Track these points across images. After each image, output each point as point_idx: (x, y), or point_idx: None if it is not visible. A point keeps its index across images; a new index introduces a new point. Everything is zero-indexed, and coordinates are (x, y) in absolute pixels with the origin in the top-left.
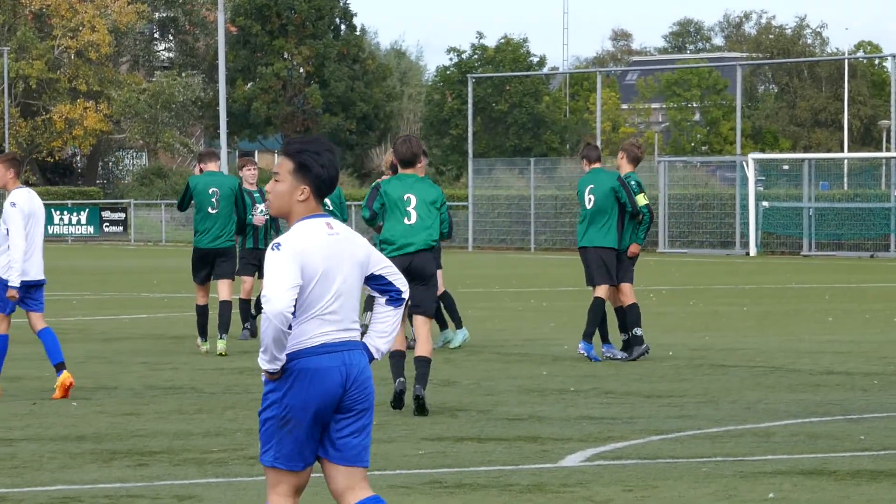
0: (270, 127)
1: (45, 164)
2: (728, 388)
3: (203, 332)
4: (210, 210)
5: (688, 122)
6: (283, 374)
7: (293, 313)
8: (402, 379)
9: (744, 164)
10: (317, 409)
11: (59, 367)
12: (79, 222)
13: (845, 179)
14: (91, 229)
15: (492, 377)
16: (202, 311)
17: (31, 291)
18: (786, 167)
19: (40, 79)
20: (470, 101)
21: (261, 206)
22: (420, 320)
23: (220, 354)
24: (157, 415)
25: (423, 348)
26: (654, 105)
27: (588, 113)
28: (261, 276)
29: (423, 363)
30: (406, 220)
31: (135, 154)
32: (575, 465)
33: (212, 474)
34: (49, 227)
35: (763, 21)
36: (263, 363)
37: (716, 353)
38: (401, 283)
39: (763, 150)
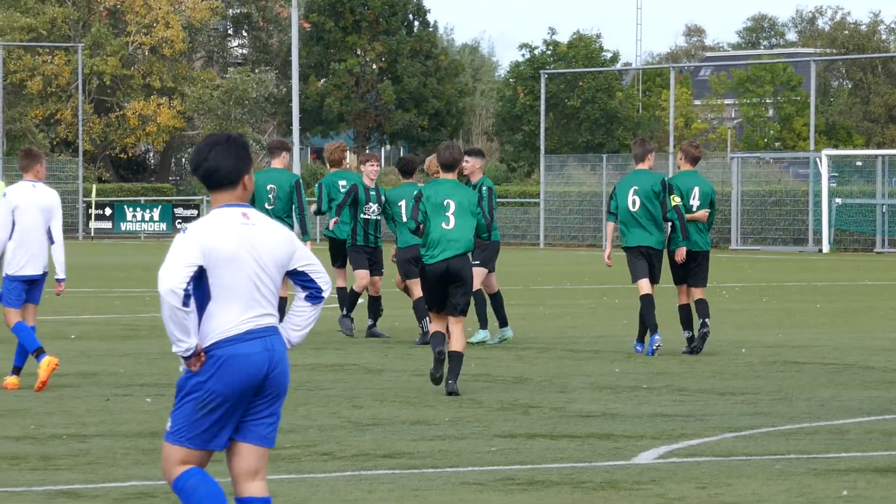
0: (343, 123)
1: (118, 161)
2: (802, 385)
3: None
4: (266, 206)
5: (760, 118)
6: (207, 360)
7: (208, 297)
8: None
9: (817, 160)
10: (241, 393)
11: (39, 352)
12: (151, 219)
13: None
14: (164, 226)
15: (564, 374)
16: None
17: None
18: (859, 163)
19: (114, 75)
20: (542, 96)
21: (373, 206)
22: (453, 319)
23: None
24: None
25: (457, 344)
26: (727, 101)
27: (660, 109)
28: (373, 272)
29: (457, 358)
30: (444, 225)
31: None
32: (648, 462)
33: (284, 470)
34: (122, 223)
35: (837, 17)
36: (173, 348)
37: (789, 351)
38: (323, 281)
39: (836, 147)
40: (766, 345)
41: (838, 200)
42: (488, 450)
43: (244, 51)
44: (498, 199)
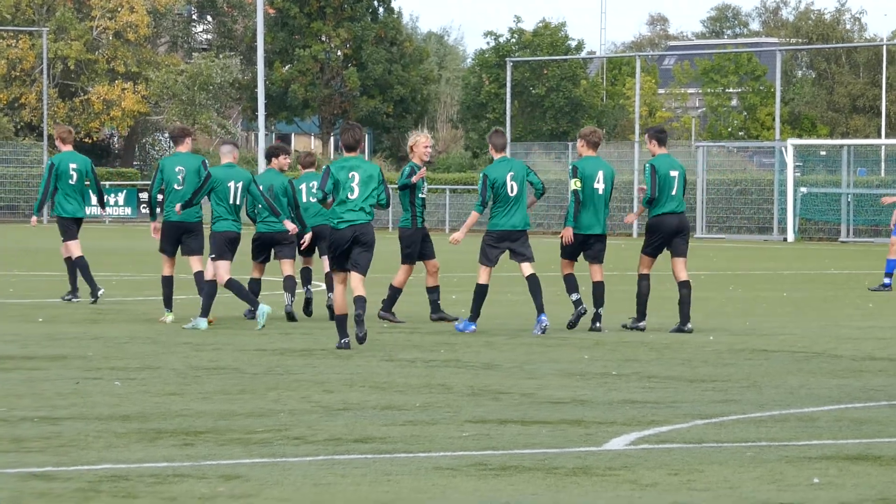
0: (308, 109)
1: (82, 146)
2: (770, 372)
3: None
4: (176, 187)
5: (724, 107)
6: None
7: None
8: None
9: (782, 149)
10: None
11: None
12: (116, 203)
13: (882, 165)
14: (129, 210)
15: (533, 360)
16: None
17: None
18: (823, 153)
19: (79, 60)
20: (508, 84)
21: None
22: (356, 277)
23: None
24: (201, 395)
25: (359, 291)
26: (690, 90)
27: (625, 98)
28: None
29: (361, 300)
30: (350, 195)
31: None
32: (620, 448)
33: (257, 454)
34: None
35: (801, 6)
36: None
37: (757, 339)
38: None
39: (800, 136)
40: (733, 332)
41: (803, 190)
42: (460, 435)
43: (209, 36)
44: (463, 187)
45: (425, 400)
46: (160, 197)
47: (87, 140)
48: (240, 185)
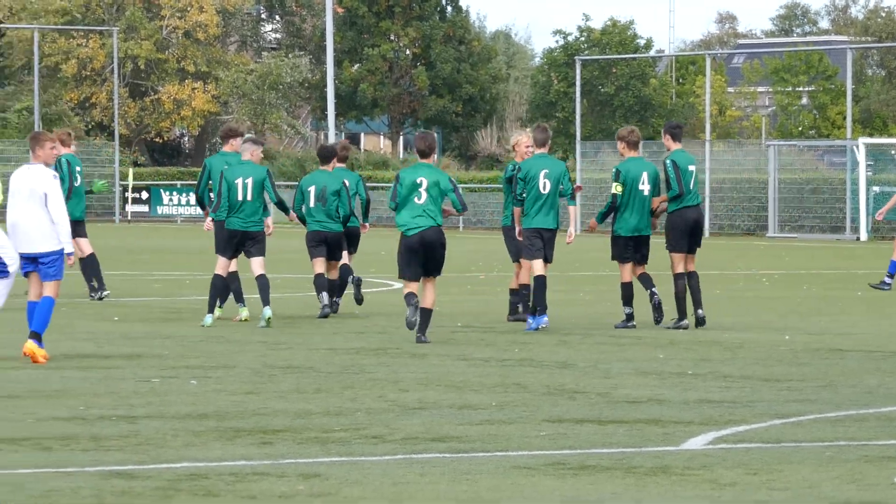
0: (377, 109)
1: (153, 145)
2: (846, 372)
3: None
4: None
5: (794, 106)
6: None
7: None
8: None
9: (854, 148)
10: None
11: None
12: (188, 203)
13: None
14: (200, 210)
15: (607, 360)
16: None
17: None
18: (894, 152)
19: (149, 59)
20: (578, 83)
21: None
22: (429, 282)
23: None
24: (277, 393)
25: (429, 298)
26: (760, 89)
27: (694, 96)
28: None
29: (426, 313)
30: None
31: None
32: (698, 448)
33: (335, 453)
34: (158, 207)
35: (871, 4)
36: None
37: (832, 338)
38: (9, 257)
39: (872, 135)
40: (808, 332)
41: (876, 189)
42: (537, 434)
43: (278, 35)
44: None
45: (501, 399)
46: (212, 196)
47: (157, 140)
48: (249, 181)
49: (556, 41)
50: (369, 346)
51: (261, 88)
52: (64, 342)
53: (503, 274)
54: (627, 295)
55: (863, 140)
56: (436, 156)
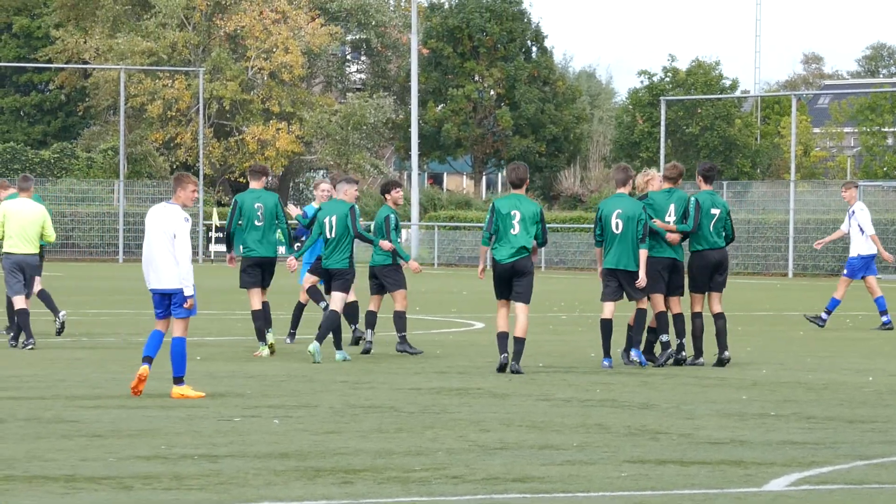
0: (460, 149)
1: (237, 185)
2: None
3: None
4: (256, 223)
5: (880, 146)
6: None
7: None
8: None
9: None
10: None
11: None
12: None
13: None
14: (282, 249)
15: (690, 401)
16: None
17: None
18: None
19: (234, 100)
20: (662, 123)
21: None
22: (520, 307)
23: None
24: (358, 433)
25: (521, 328)
26: (846, 129)
27: (779, 137)
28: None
29: (520, 343)
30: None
31: (325, 175)
32: (780, 489)
33: (416, 493)
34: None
35: None
36: None
37: None
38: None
39: None
40: (892, 373)
41: None
42: (619, 475)
43: (362, 76)
44: None
45: (582, 439)
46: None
47: (241, 180)
48: (333, 218)
49: (641, 81)
50: (451, 386)
51: (345, 129)
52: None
53: (585, 314)
54: (660, 324)
55: None
56: (527, 186)
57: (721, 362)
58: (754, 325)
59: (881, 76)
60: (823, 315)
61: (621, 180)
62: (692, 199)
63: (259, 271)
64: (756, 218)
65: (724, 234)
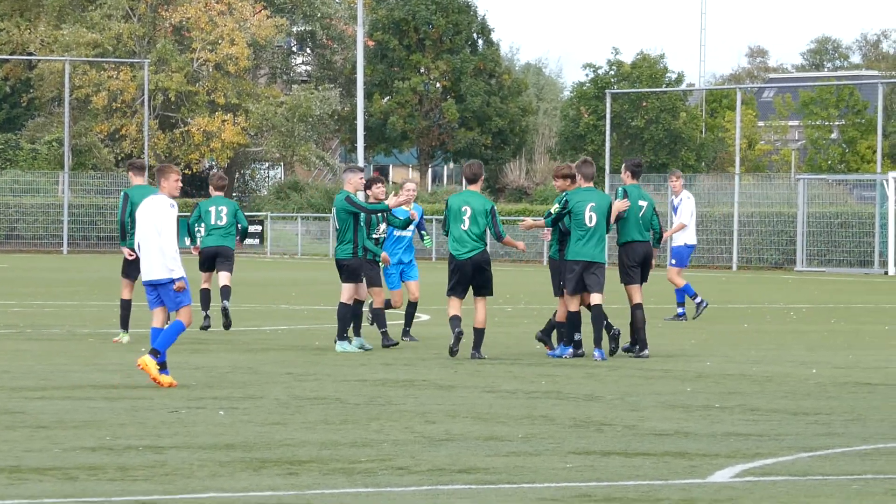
0: (407, 141)
1: (183, 177)
2: (875, 406)
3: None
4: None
5: (825, 140)
6: None
7: None
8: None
9: (884, 182)
10: None
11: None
12: None
13: None
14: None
15: (635, 392)
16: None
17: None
18: None
19: (179, 91)
20: (608, 116)
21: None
22: (480, 300)
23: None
24: (304, 425)
25: (481, 319)
26: (791, 123)
27: (724, 130)
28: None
29: (479, 333)
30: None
31: (270, 166)
32: (725, 480)
33: (361, 484)
34: (185, 238)
35: None
36: None
37: (860, 372)
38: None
39: None
40: (836, 366)
41: None
42: (564, 466)
43: (308, 68)
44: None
45: (528, 431)
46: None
47: (187, 171)
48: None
49: (587, 74)
50: (396, 378)
51: (290, 121)
52: (92, 373)
53: (530, 306)
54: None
55: (892, 174)
56: (481, 182)
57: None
58: (699, 318)
59: (826, 70)
60: (680, 310)
61: (589, 175)
62: (619, 190)
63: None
64: (701, 211)
65: (651, 228)
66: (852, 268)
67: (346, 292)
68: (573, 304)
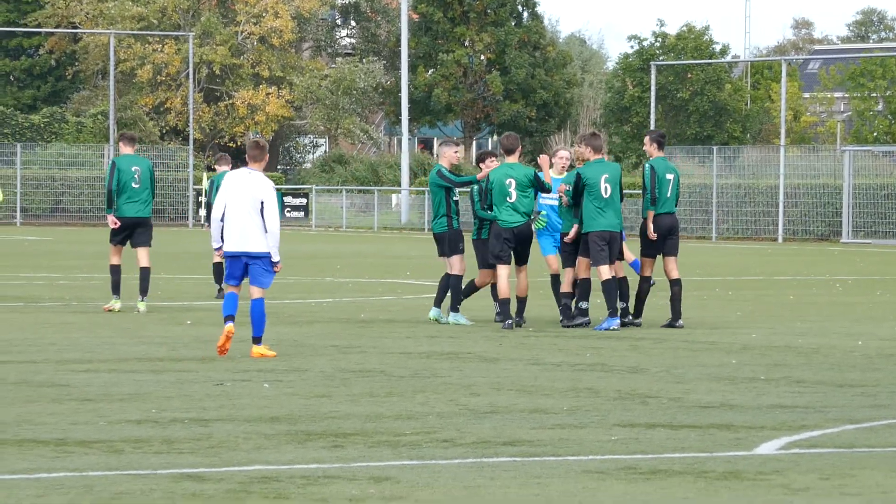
0: (451, 114)
1: (227, 150)
2: None
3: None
4: (133, 185)
5: (871, 111)
6: None
7: None
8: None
9: None
10: None
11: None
12: None
13: None
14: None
15: (681, 365)
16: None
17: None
18: None
19: (223, 64)
20: (653, 88)
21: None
22: (522, 269)
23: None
24: (349, 397)
25: (523, 288)
26: (836, 94)
27: (769, 102)
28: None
29: (522, 300)
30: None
31: (315, 139)
32: (770, 453)
33: (406, 456)
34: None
35: None
36: None
37: None
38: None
39: None
40: (882, 337)
41: None
42: (608, 439)
43: (352, 41)
44: None
45: (573, 403)
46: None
47: (231, 144)
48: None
49: (632, 46)
50: (441, 351)
51: (335, 93)
52: (137, 346)
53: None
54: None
55: None
56: (519, 152)
57: (672, 328)
58: (744, 290)
59: (871, 41)
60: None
61: (598, 147)
62: (647, 165)
63: (128, 232)
64: (746, 183)
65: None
66: None
67: (456, 264)
68: (584, 272)
